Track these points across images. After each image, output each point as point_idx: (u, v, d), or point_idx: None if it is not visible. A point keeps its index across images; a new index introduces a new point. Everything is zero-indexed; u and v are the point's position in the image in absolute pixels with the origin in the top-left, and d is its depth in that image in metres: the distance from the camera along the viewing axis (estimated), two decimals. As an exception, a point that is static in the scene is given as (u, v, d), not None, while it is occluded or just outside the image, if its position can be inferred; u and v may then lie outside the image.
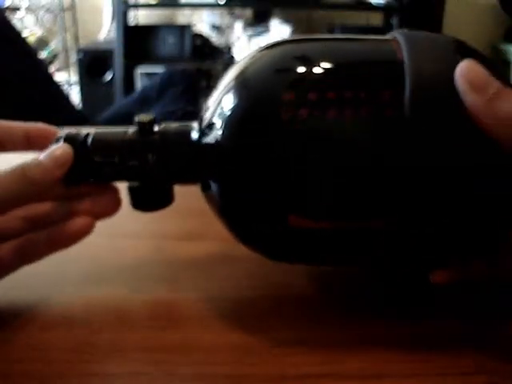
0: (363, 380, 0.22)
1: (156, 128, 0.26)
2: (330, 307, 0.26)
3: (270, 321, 0.25)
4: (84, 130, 0.26)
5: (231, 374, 0.22)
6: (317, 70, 0.23)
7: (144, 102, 1.39)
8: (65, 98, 1.32)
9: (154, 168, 0.25)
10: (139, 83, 2.24)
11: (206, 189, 0.26)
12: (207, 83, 2.44)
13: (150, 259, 0.31)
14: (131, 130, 0.26)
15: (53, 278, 0.29)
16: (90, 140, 0.26)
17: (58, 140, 0.26)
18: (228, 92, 0.24)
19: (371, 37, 0.26)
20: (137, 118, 0.26)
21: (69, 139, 0.26)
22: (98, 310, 0.26)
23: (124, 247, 0.33)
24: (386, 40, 0.24)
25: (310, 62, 0.23)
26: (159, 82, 1.40)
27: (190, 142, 0.25)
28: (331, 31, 2.28)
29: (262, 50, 0.25)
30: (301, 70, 0.23)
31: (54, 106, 1.15)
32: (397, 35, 0.24)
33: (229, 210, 0.25)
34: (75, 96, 2.29)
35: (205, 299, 0.27)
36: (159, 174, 0.26)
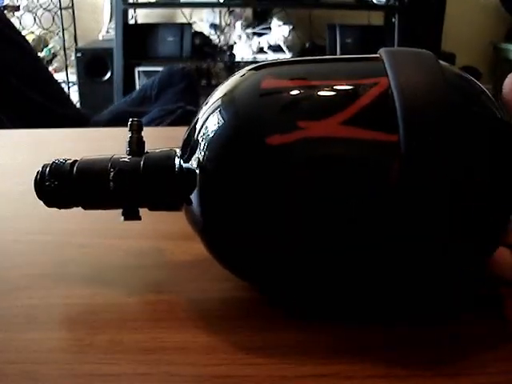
0: (363, 380, 0.22)
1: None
2: (329, 308, 0.26)
3: (270, 321, 0.25)
4: (70, 160, 0.27)
5: (232, 375, 0.22)
6: (302, 94, 0.23)
7: (143, 100, 1.39)
8: (65, 98, 1.32)
9: (137, 198, 0.26)
10: (138, 82, 2.24)
11: (187, 210, 0.26)
12: (207, 82, 2.44)
13: (149, 259, 0.31)
14: (116, 158, 0.26)
15: (53, 279, 0.29)
16: (75, 169, 0.26)
17: (44, 168, 0.27)
18: (211, 117, 0.24)
19: (358, 56, 0.25)
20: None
21: (55, 167, 0.27)
22: (98, 310, 0.26)
23: (124, 247, 0.33)
24: (373, 59, 0.24)
25: (296, 99, 0.23)
26: (158, 80, 1.40)
27: (172, 170, 0.25)
28: (332, 30, 2.28)
29: (245, 74, 0.25)
30: (286, 108, 0.23)
31: (54, 106, 1.15)
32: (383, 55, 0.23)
33: (210, 233, 0.25)
34: (74, 95, 2.29)
35: (205, 300, 0.27)
36: (142, 203, 0.26)
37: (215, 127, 0.23)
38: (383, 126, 0.21)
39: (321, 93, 0.23)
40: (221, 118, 0.23)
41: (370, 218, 0.21)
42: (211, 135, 0.23)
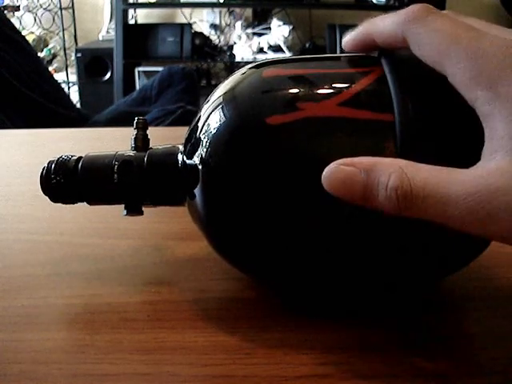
0: (363, 380, 0.22)
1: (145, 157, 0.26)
2: (330, 308, 0.26)
3: (270, 321, 0.25)
4: (75, 156, 0.27)
5: (232, 375, 0.22)
6: (301, 80, 0.23)
7: (144, 100, 1.39)
8: (65, 98, 1.32)
9: (140, 192, 0.26)
10: (138, 82, 2.24)
11: (190, 205, 0.26)
12: (207, 82, 2.45)
13: (150, 259, 0.31)
14: (120, 153, 0.26)
15: (53, 279, 0.29)
16: (80, 164, 0.26)
17: (49, 164, 0.27)
18: (214, 109, 0.24)
19: (356, 54, 0.26)
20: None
21: (61, 162, 0.27)
22: (98, 310, 0.26)
23: (124, 247, 0.33)
24: (370, 56, 0.25)
25: (296, 84, 0.23)
26: (159, 80, 1.40)
27: (176, 165, 0.26)
28: (332, 30, 2.28)
29: (246, 72, 0.25)
30: (287, 91, 0.23)
31: (54, 106, 1.15)
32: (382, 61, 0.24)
33: (213, 226, 0.25)
34: (74, 95, 2.29)
35: (205, 299, 0.27)
36: (145, 197, 0.26)
37: (218, 117, 0.24)
38: (379, 107, 0.22)
39: (319, 78, 0.24)
40: (223, 108, 0.24)
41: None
42: (214, 127, 0.24)
